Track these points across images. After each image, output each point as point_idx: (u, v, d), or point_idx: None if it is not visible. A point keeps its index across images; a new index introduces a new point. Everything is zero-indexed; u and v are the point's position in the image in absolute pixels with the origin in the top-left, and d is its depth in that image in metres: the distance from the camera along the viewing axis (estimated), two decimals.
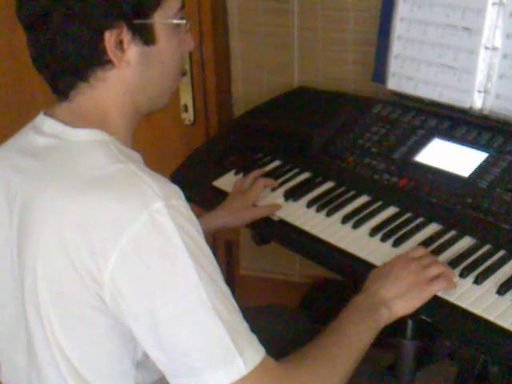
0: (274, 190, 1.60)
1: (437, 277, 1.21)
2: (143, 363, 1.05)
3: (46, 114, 1.11)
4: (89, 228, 0.95)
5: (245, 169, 1.69)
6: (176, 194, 0.99)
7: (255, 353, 0.97)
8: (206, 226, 1.51)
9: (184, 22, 1.12)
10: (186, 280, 0.94)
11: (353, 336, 1.12)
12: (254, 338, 0.99)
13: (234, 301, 1.00)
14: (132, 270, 0.94)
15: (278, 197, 1.58)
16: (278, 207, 1.53)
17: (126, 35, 1.03)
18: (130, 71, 1.07)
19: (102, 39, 1.02)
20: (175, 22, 1.09)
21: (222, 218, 1.54)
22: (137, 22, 1.03)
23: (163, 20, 1.07)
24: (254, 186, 1.57)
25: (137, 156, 1.08)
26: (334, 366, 1.06)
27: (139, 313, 0.95)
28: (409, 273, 1.20)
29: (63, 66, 1.04)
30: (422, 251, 1.27)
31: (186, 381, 0.96)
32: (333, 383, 1.05)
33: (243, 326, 0.99)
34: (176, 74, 1.15)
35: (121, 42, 1.03)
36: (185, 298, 0.94)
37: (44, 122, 1.09)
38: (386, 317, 1.17)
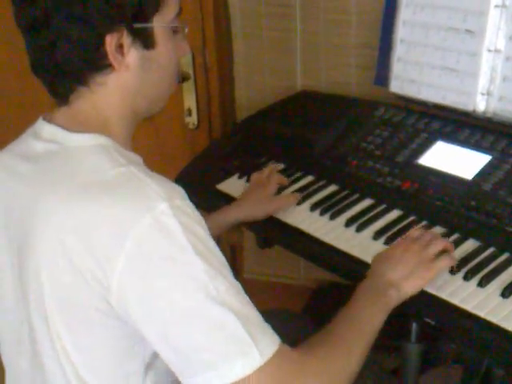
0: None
1: (439, 254, 1.22)
2: (151, 365, 1.06)
3: (44, 119, 1.11)
4: (92, 233, 0.95)
5: (248, 172, 1.69)
6: (179, 194, 0.99)
7: (270, 342, 0.98)
8: (227, 218, 1.53)
9: (183, 26, 1.13)
10: (194, 279, 0.94)
11: (365, 319, 1.13)
12: (268, 328, 0.99)
13: (245, 294, 1.00)
14: (140, 273, 0.94)
15: None
16: (297, 197, 1.54)
17: (127, 39, 1.03)
18: (130, 75, 1.07)
19: (102, 43, 1.02)
20: (174, 26, 1.10)
21: (245, 210, 1.54)
22: (137, 26, 1.04)
23: (162, 24, 1.07)
24: (271, 179, 1.58)
25: (137, 159, 1.08)
26: (350, 350, 1.07)
27: (149, 316, 0.95)
28: (412, 253, 1.22)
29: (63, 70, 1.04)
30: (419, 231, 1.28)
31: (202, 378, 0.95)
32: (349, 367, 1.06)
33: (257, 317, 0.99)
34: (173, 79, 1.16)
35: (121, 46, 1.04)
36: (194, 296, 0.94)
37: (43, 127, 1.09)
38: (396, 298, 1.17)
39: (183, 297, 0.94)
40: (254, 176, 1.63)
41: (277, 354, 0.97)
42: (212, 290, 0.94)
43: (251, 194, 1.57)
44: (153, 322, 0.96)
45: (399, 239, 1.31)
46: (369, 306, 1.15)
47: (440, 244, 1.24)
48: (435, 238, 1.25)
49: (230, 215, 1.54)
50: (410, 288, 1.19)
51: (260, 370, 0.95)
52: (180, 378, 0.99)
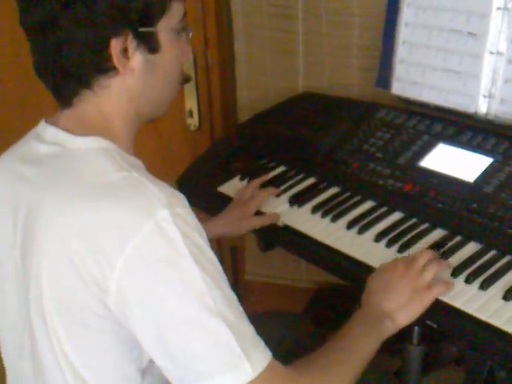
0: (278, 195, 1.60)
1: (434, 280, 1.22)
2: (148, 369, 1.06)
3: (47, 121, 1.11)
4: (93, 236, 0.96)
5: (250, 174, 1.69)
6: (180, 201, 1.00)
7: (262, 357, 0.98)
8: None
9: (187, 30, 1.13)
10: (193, 287, 0.95)
11: (359, 347, 1.13)
12: (260, 342, 1.00)
13: (239, 306, 1.00)
14: (138, 278, 0.94)
15: (282, 203, 1.58)
16: (277, 217, 1.52)
17: (132, 43, 1.04)
18: (134, 79, 1.07)
19: (107, 46, 1.02)
20: (179, 30, 1.10)
21: (221, 226, 1.54)
22: (142, 29, 1.04)
23: (167, 29, 1.07)
24: (255, 196, 1.57)
25: (139, 163, 1.08)
26: (342, 373, 1.08)
27: (145, 320, 0.96)
28: (407, 282, 1.21)
29: (68, 73, 1.04)
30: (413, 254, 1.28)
31: None
32: None
33: (250, 331, 0.99)
34: (176, 83, 1.17)
35: (126, 50, 1.04)
36: (191, 304, 0.95)
37: (46, 129, 1.09)
38: (391, 329, 1.19)
39: (180, 303, 0.95)
40: (238, 193, 1.62)
41: (268, 369, 0.97)
42: (209, 300, 0.95)
43: (230, 211, 1.57)
44: (148, 327, 0.96)
45: (393, 260, 1.28)
46: (363, 334, 1.16)
47: (435, 267, 1.23)
48: (429, 260, 1.24)
49: (208, 231, 1.54)
50: (404, 319, 1.20)
51: (251, 383, 0.96)
52: None
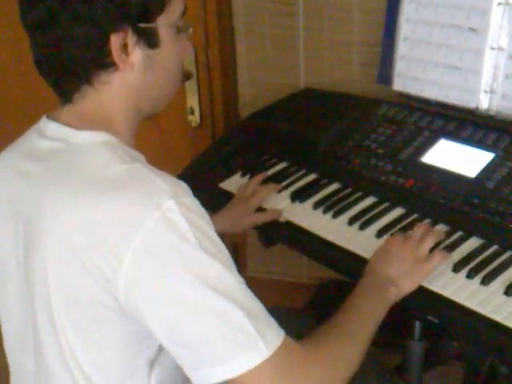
0: (280, 191, 1.60)
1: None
2: (156, 360, 1.06)
3: (49, 117, 1.11)
4: (99, 230, 0.96)
5: (251, 171, 1.69)
6: (184, 191, 1.00)
7: (276, 335, 0.99)
8: None
9: (187, 26, 1.13)
10: (202, 274, 0.95)
11: (366, 313, 1.16)
12: (273, 322, 1.00)
13: (249, 289, 1.01)
14: (147, 269, 0.95)
15: (284, 199, 1.58)
16: (278, 213, 1.53)
17: (131, 38, 1.04)
18: (134, 74, 1.08)
19: (107, 42, 1.02)
20: (178, 26, 1.10)
21: (222, 224, 1.53)
22: (142, 25, 1.04)
23: (167, 24, 1.08)
24: (256, 192, 1.57)
25: (141, 157, 1.09)
26: (352, 342, 1.10)
27: (157, 310, 0.96)
28: (407, 252, 1.26)
29: (68, 69, 1.05)
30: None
31: (209, 371, 0.96)
32: (352, 358, 1.08)
33: (262, 311, 1.00)
34: (177, 79, 1.17)
35: (125, 46, 1.04)
36: (202, 291, 0.95)
37: (48, 125, 1.09)
38: (395, 294, 1.21)
39: (190, 291, 0.95)
40: (239, 189, 1.62)
41: (282, 347, 0.98)
42: (218, 284, 0.95)
43: (231, 208, 1.57)
44: (160, 317, 0.96)
45: (393, 234, 1.34)
46: (369, 300, 1.18)
47: (432, 239, 1.28)
48: (426, 230, 1.30)
49: None
50: (408, 286, 1.23)
51: (266, 362, 0.96)
52: (187, 372, 1.00)
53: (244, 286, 1.00)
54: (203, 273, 0.95)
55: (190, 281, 0.95)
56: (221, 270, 0.96)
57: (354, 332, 1.11)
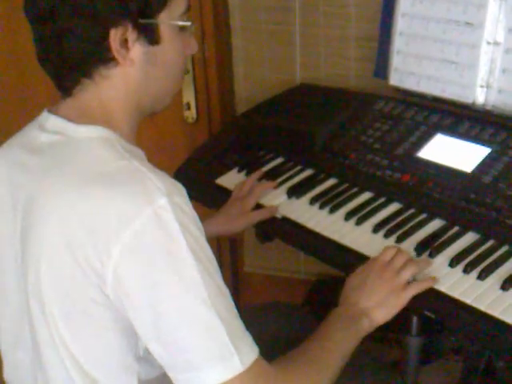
0: (276, 187, 1.60)
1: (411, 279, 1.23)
2: (145, 358, 1.06)
3: (49, 111, 1.11)
4: (93, 224, 0.96)
5: (248, 166, 1.69)
6: (179, 190, 1.00)
7: (251, 351, 0.99)
8: None
9: (189, 24, 1.12)
10: (188, 277, 0.95)
11: (337, 343, 1.15)
12: (249, 337, 1.01)
13: (231, 299, 1.01)
14: (134, 265, 0.95)
15: (280, 194, 1.58)
16: (275, 210, 1.52)
17: (131, 34, 1.04)
18: (134, 70, 1.08)
19: (107, 37, 1.02)
20: (180, 23, 1.10)
21: (219, 225, 1.54)
22: (142, 21, 1.04)
23: (169, 21, 1.07)
24: (252, 192, 1.57)
25: (140, 153, 1.09)
26: (320, 370, 1.10)
27: (140, 307, 0.96)
28: (384, 281, 1.23)
29: (68, 62, 1.05)
30: (391, 252, 1.28)
31: (183, 376, 0.98)
32: None
33: (239, 325, 1.01)
34: (179, 76, 1.17)
35: (126, 41, 1.04)
36: (186, 294, 0.95)
37: (48, 118, 1.10)
38: (368, 326, 1.20)
39: (174, 292, 0.95)
40: (235, 189, 1.61)
41: (255, 364, 0.99)
42: (203, 291, 0.96)
43: (227, 209, 1.57)
44: (143, 314, 0.97)
45: (371, 260, 1.29)
46: (341, 330, 1.17)
47: (411, 269, 1.24)
48: (407, 261, 1.25)
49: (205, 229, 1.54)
50: (381, 317, 1.21)
51: (238, 377, 0.97)
52: (168, 372, 1.00)
53: (226, 296, 1.00)
54: (188, 276, 0.96)
55: (174, 282, 0.95)
56: (206, 276, 0.97)
57: (322, 360, 1.11)
